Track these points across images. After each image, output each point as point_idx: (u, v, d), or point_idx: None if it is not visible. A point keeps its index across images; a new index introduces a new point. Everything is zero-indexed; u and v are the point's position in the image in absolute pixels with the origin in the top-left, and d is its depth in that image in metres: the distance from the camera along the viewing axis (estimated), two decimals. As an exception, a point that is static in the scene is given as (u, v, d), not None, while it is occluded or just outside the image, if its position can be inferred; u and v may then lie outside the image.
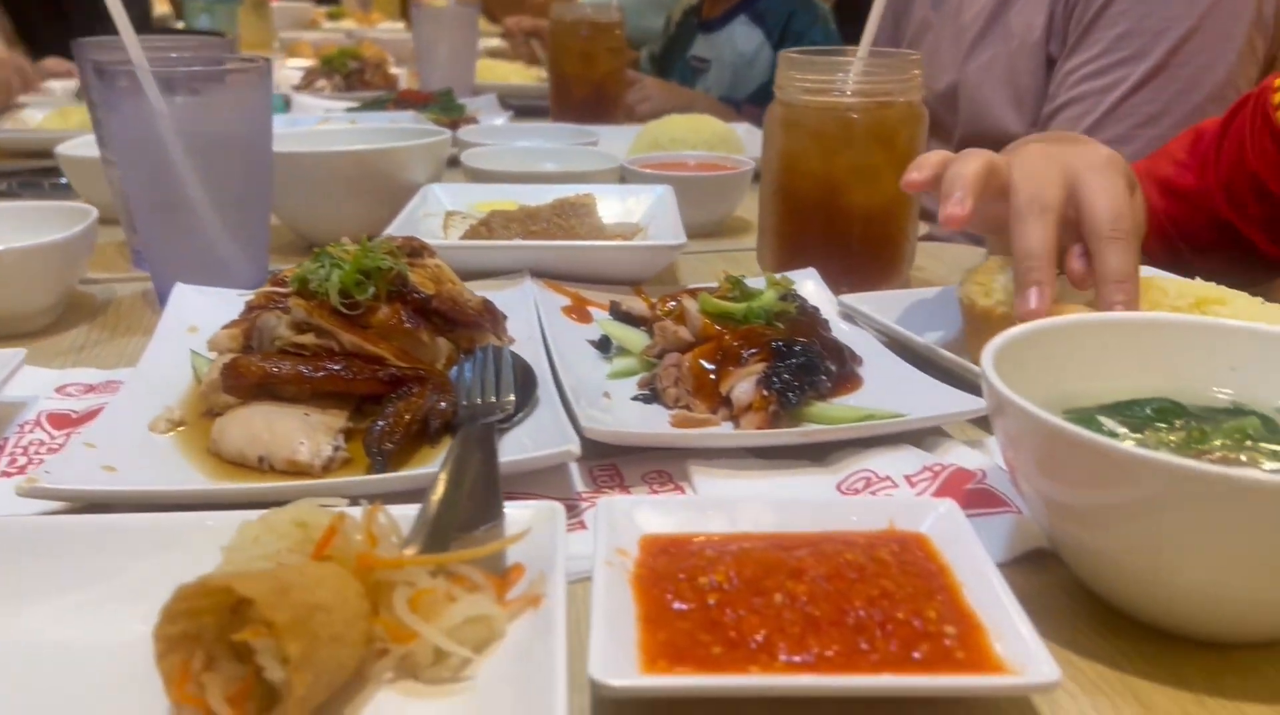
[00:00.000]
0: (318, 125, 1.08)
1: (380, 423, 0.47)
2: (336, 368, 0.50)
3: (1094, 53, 1.02)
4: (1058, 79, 1.06)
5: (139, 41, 0.64)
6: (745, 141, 1.20)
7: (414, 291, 0.54)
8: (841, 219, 0.72)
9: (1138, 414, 0.41)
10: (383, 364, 0.51)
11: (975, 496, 0.45)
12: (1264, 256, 0.81)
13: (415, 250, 0.58)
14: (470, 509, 0.38)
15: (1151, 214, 0.85)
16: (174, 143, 0.64)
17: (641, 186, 0.83)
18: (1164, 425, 0.41)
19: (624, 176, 0.91)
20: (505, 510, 0.39)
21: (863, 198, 0.71)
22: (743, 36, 1.69)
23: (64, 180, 0.96)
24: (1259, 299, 0.59)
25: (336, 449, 0.47)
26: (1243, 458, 0.38)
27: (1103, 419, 0.41)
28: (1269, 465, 0.38)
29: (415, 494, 0.39)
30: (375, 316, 0.52)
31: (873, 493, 0.47)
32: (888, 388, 0.56)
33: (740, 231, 0.93)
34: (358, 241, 0.55)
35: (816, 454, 0.50)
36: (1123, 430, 0.40)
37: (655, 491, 0.47)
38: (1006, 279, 0.57)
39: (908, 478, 0.47)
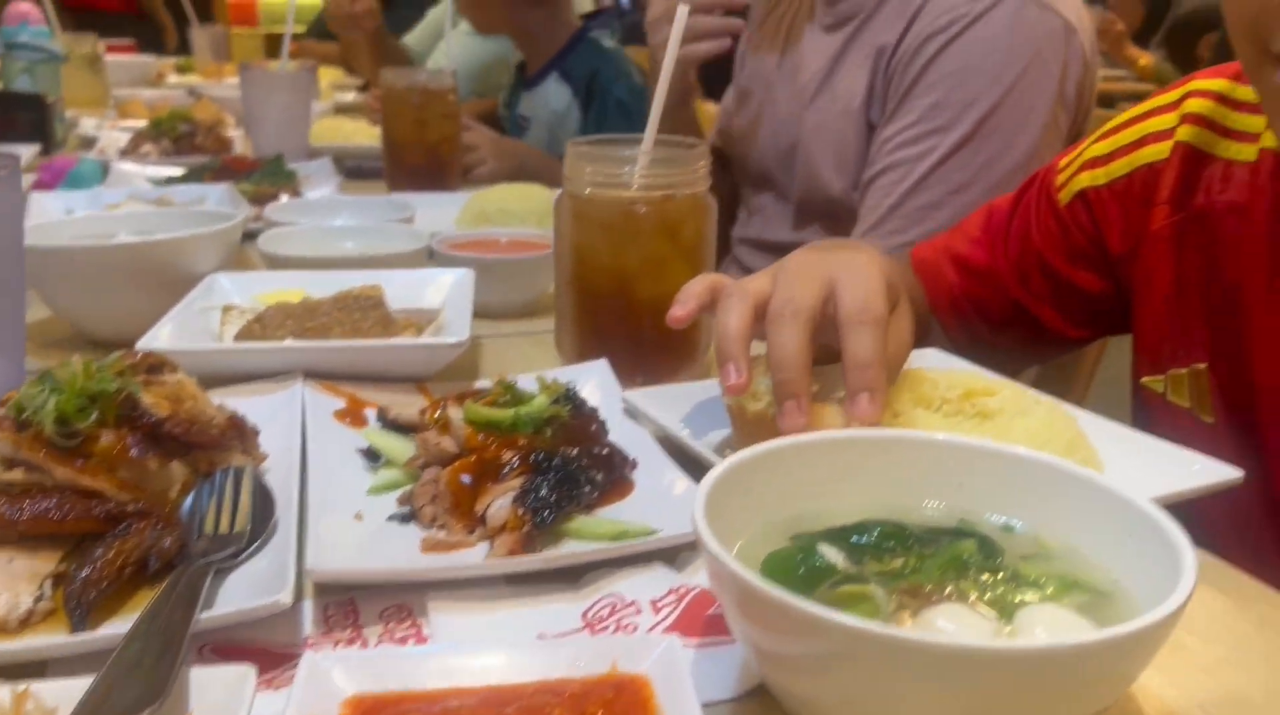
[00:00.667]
0: (119, 205, 1.03)
1: (84, 570, 0.44)
2: (45, 506, 0.46)
3: (908, 121, 1.05)
4: (876, 144, 1.09)
5: None
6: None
7: (145, 415, 0.50)
8: (633, 310, 0.71)
9: (860, 541, 0.41)
10: (101, 498, 0.47)
11: (713, 624, 0.44)
12: (1053, 333, 0.83)
13: (154, 366, 0.54)
14: (139, 685, 0.35)
15: (949, 292, 0.87)
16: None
17: (443, 269, 0.81)
18: (885, 553, 0.40)
19: (433, 255, 0.89)
20: (191, 676, 0.36)
21: (652, 289, 0.70)
22: (555, 94, 1.71)
23: None
24: (1029, 390, 0.60)
25: (39, 600, 0.44)
26: (954, 589, 0.38)
27: (823, 548, 0.40)
28: (976, 596, 0.38)
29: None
30: (97, 445, 0.48)
31: (618, 621, 0.45)
32: (658, 496, 0.54)
33: (548, 311, 0.92)
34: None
35: (570, 576, 0.48)
36: (841, 560, 0.40)
37: (391, 633, 0.45)
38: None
39: (653, 602, 0.46)
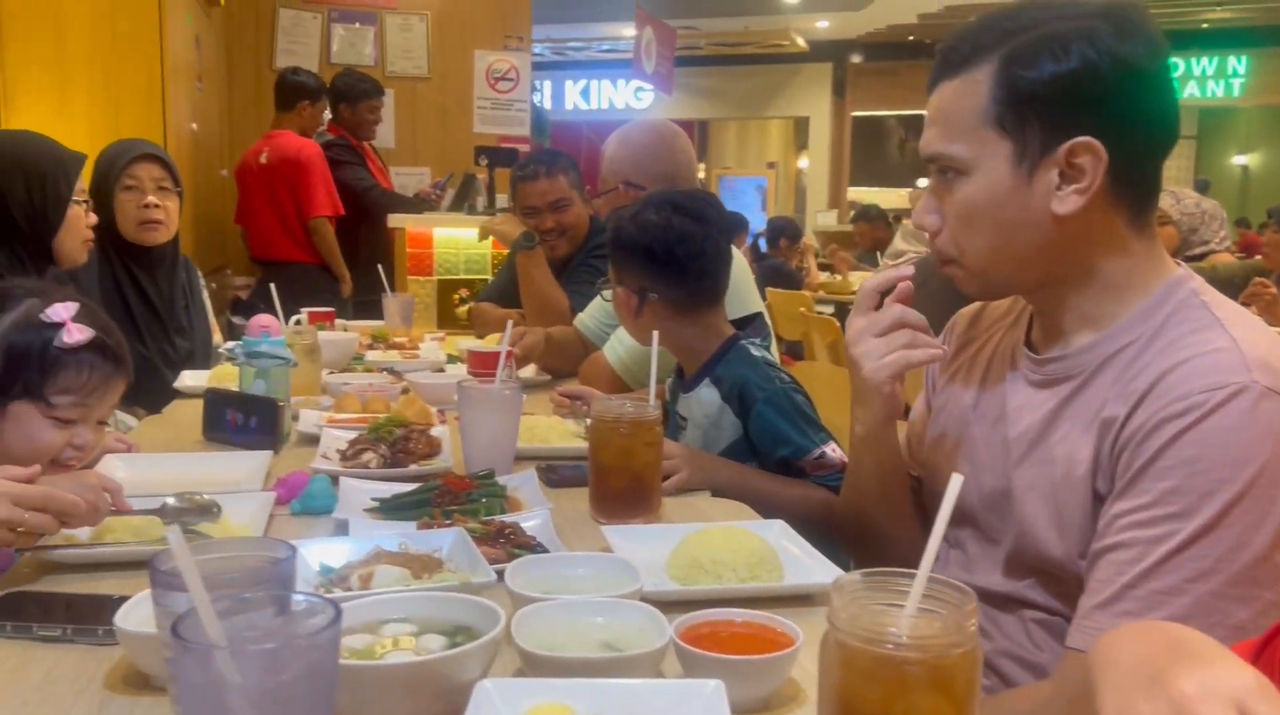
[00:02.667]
0: (368, 566, 1.10)
1: None
2: None
3: (1143, 501, 1.04)
4: (1106, 518, 1.08)
5: (210, 604, 0.67)
6: (780, 554, 1.22)
7: None
8: (900, 759, 0.71)
9: None
10: None
11: None
12: None
13: None
14: None
15: None
16: (240, 706, 0.65)
17: (695, 685, 0.83)
18: None
19: (678, 655, 0.91)
20: None
21: (921, 741, 0.70)
22: (707, 398, 1.77)
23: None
24: None
25: None
26: None
27: None
28: None
29: None
30: None
31: None
32: None
33: (791, 702, 0.93)
34: None
35: None
36: None
37: None
38: None
39: None
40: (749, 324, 1.90)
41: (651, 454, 1.45)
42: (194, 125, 4.44)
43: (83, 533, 1.25)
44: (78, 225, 2.19)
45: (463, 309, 4.62)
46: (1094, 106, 1.09)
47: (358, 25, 5.73)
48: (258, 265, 4.85)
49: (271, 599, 0.75)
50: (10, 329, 1.42)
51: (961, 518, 1.33)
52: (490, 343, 2.72)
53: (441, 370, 2.57)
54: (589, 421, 1.94)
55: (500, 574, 1.07)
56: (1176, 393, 1.04)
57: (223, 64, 5.39)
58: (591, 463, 1.47)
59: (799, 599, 1.15)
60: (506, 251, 4.42)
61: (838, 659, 0.73)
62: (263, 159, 4.57)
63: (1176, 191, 4.21)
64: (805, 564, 1.23)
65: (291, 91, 4.70)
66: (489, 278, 4.60)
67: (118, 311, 2.50)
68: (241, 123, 5.49)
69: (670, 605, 0.99)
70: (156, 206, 2.54)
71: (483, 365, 2.17)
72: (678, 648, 0.91)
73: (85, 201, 2.22)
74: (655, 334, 1.61)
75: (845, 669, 0.72)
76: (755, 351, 1.81)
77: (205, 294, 2.91)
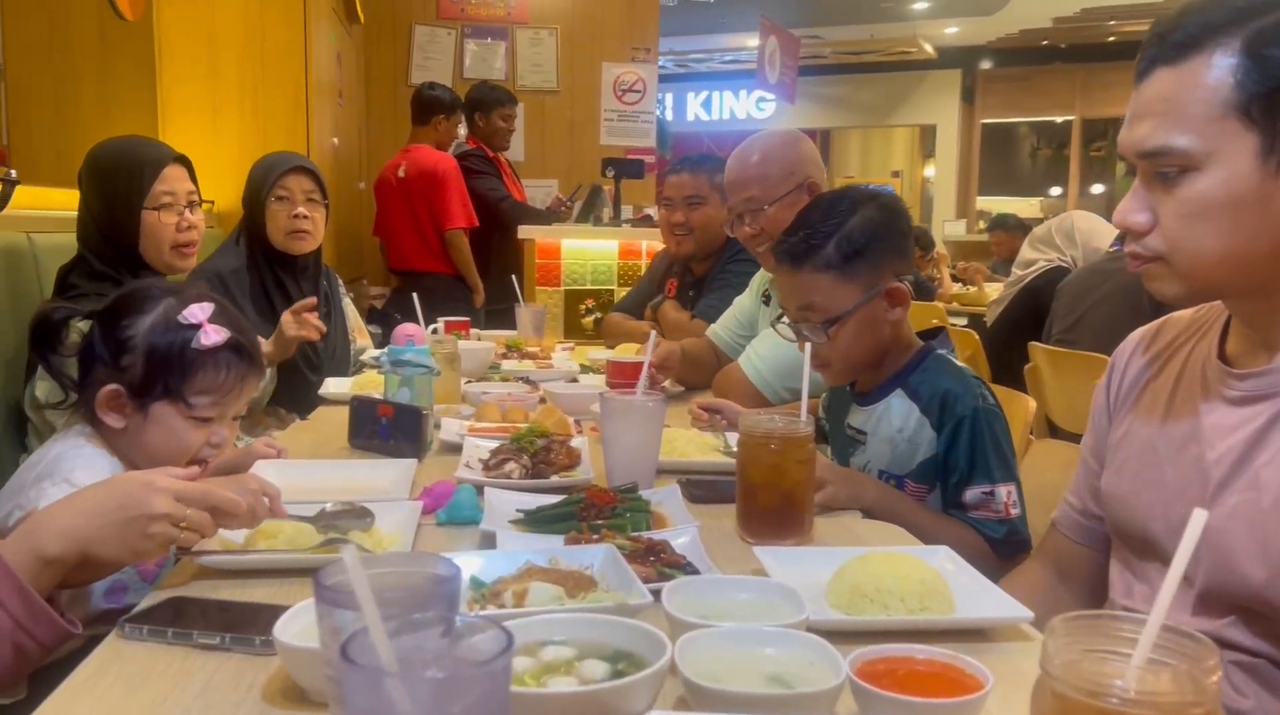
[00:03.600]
0: (520, 580, 1.07)
1: None
2: None
3: None
4: None
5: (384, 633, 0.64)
6: (951, 585, 1.14)
7: None
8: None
9: None
10: None
11: None
12: None
13: None
14: None
15: None
16: (412, 733, 0.62)
17: (876, 727, 0.77)
18: None
19: (854, 692, 0.85)
20: None
21: (1151, 808, 0.62)
22: (898, 411, 1.65)
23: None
24: None
25: None
26: None
27: None
28: None
29: None
30: None
31: None
32: None
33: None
34: None
35: None
36: None
37: None
38: None
39: None
40: (934, 339, 1.77)
41: (803, 472, 1.38)
42: (335, 140, 4.57)
43: (236, 536, 1.26)
44: (157, 232, 2.12)
45: (588, 319, 4.63)
46: None
47: (489, 40, 5.83)
48: (395, 276, 4.97)
49: (438, 620, 0.72)
50: (150, 332, 1.43)
51: (1146, 550, 1.22)
52: (624, 352, 2.69)
53: (575, 380, 2.55)
54: (728, 436, 1.89)
55: (655, 595, 1.03)
56: None
57: (361, 80, 5.56)
58: (740, 480, 1.41)
59: (973, 634, 1.07)
60: (637, 262, 4.43)
61: (1053, 711, 0.66)
62: (400, 173, 4.68)
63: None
64: (978, 595, 1.14)
65: (428, 106, 4.80)
66: (614, 288, 4.61)
67: (265, 315, 2.58)
68: (378, 137, 5.65)
69: (833, 636, 0.93)
70: (305, 217, 2.61)
71: (623, 376, 2.14)
72: (855, 686, 0.84)
73: (172, 206, 2.15)
74: (808, 345, 1.54)
75: (1062, 723, 0.65)
76: (958, 363, 1.71)
77: (346, 301, 2.97)
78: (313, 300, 2.28)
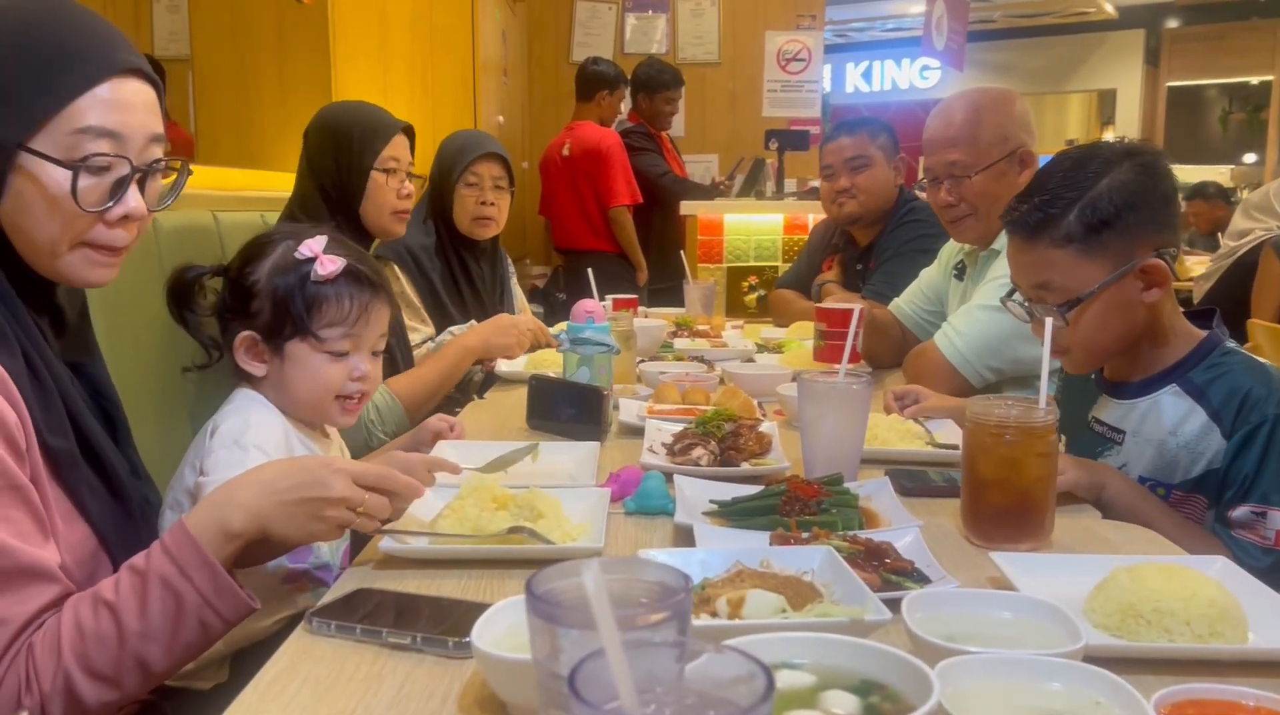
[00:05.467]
0: (732, 579, 0.95)
1: None
2: None
3: None
4: None
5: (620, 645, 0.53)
6: (1246, 605, 0.96)
7: None
8: None
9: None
10: None
11: None
12: None
13: None
14: None
15: None
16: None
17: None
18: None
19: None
20: None
21: None
22: (1171, 408, 1.41)
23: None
24: None
25: None
26: None
27: None
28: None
29: None
30: None
31: None
32: None
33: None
34: None
35: None
36: None
37: None
38: None
39: None
40: (1209, 316, 1.53)
41: (1043, 467, 1.21)
42: (500, 118, 4.57)
43: (427, 513, 1.20)
44: (381, 195, 2.08)
45: (751, 297, 4.47)
46: None
47: (650, 13, 5.73)
48: (560, 254, 4.95)
49: (670, 642, 0.60)
50: (271, 272, 1.42)
51: None
52: (799, 330, 2.54)
53: (752, 360, 2.42)
54: (928, 424, 1.72)
55: (886, 604, 0.89)
56: None
57: (524, 58, 5.56)
58: (968, 475, 1.25)
59: (1270, 666, 0.89)
60: (802, 237, 4.24)
61: None
62: (565, 152, 4.65)
63: None
64: (1271, 618, 0.96)
65: (591, 81, 4.74)
66: (778, 264, 4.44)
67: (453, 295, 2.56)
68: (541, 115, 5.64)
69: (1110, 665, 0.77)
70: (492, 204, 2.58)
71: (835, 322, 1.99)
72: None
73: (396, 172, 2.11)
74: (1049, 321, 1.36)
75: None
76: (1260, 359, 1.47)
77: (514, 281, 2.93)
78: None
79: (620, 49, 5.69)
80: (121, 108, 1.05)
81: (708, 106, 5.81)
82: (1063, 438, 1.64)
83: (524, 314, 2.87)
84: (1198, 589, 0.94)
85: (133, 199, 1.07)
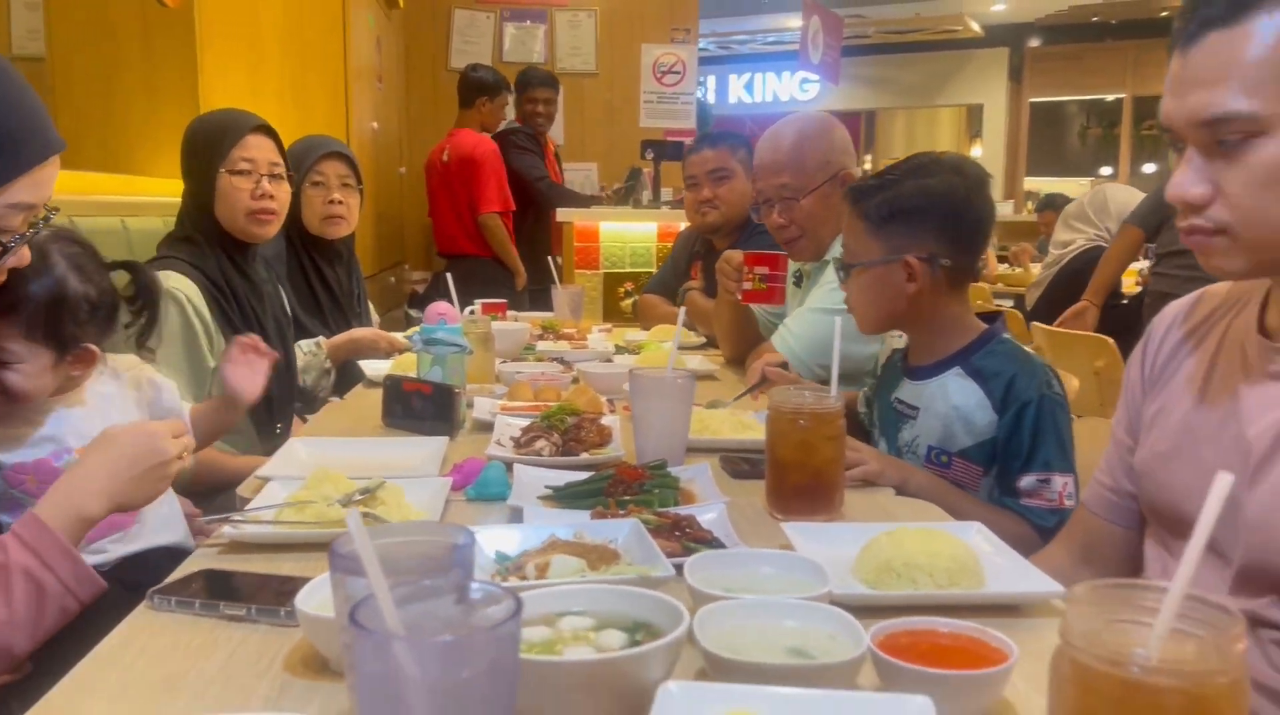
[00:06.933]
0: (543, 553, 1.07)
1: None
2: None
3: None
4: None
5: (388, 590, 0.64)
6: (982, 561, 1.12)
7: None
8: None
9: None
10: None
11: None
12: None
13: None
14: None
15: None
16: (418, 700, 0.61)
17: (894, 701, 0.75)
18: None
19: (876, 664, 0.83)
20: None
21: (1175, 783, 0.60)
22: (957, 389, 1.62)
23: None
24: None
25: None
26: None
27: None
28: None
29: None
30: None
31: None
32: None
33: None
34: None
35: None
36: None
37: None
38: None
39: None
40: (996, 318, 1.74)
41: (833, 449, 1.36)
42: (375, 124, 4.60)
43: (267, 513, 1.28)
44: (233, 197, 2.08)
45: (628, 303, 4.62)
46: None
47: (529, 23, 5.83)
48: (443, 259, 5.01)
49: (451, 587, 0.71)
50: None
51: (1182, 529, 1.18)
52: (660, 334, 2.68)
53: (610, 360, 2.55)
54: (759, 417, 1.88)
55: (678, 568, 1.02)
56: None
57: (401, 64, 5.59)
58: (769, 456, 1.40)
59: (1005, 610, 1.05)
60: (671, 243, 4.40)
61: (1072, 680, 0.64)
62: (445, 157, 4.72)
63: None
64: (1010, 572, 1.12)
65: (471, 88, 4.83)
66: (653, 271, 4.59)
67: (306, 300, 2.61)
68: (419, 122, 5.68)
69: (859, 611, 0.91)
70: (340, 202, 2.63)
71: (764, 263, 2.18)
72: (876, 658, 0.83)
73: (250, 173, 2.11)
74: (838, 320, 1.52)
75: (1082, 692, 0.63)
76: (1027, 348, 1.68)
77: (363, 283, 2.99)
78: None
79: (499, 58, 5.77)
80: (45, 184, 1.17)
81: (586, 117, 5.94)
82: (877, 426, 1.82)
83: (375, 322, 2.93)
84: (943, 547, 1.10)
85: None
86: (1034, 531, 1.52)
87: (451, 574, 0.75)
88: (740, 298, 2.26)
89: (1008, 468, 1.58)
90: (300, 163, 2.62)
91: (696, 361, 2.55)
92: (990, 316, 1.72)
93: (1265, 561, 1.06)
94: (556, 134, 5.75)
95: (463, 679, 0.62)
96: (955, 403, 1.62)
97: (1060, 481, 1.54)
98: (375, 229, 4.65)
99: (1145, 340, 1.32)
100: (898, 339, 1.84)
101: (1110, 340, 3.07)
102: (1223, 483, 0.63)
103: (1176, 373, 1.24)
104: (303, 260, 2.66)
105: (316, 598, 0.93)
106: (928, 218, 1.62)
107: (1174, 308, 1.31)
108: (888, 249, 1.63)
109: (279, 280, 2.52)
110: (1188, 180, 1.04)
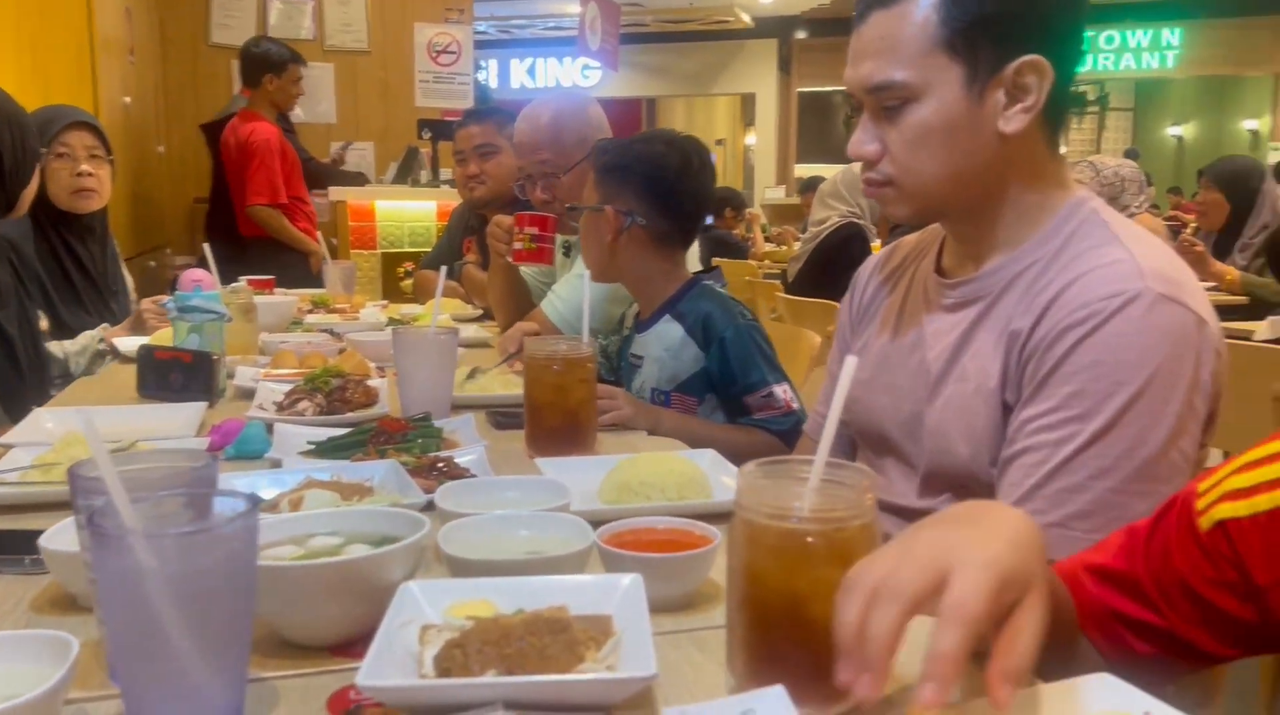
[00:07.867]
0: (299, 491, 1.11)
1: None
2: None
3: (1048, 406, 1.09)
4: (1015, 425, 1.12)
5: (122, 483, 0.68)
6: (710, 478, 1.25)
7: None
8: (805, 631, 0.74)
9: None
10: None
11: None
12: (1205, 652, 0.84)
13: None
14: None
15: (1090, 605, 0.88)
16: (159, 595, 0.66)
17: (614, 578, 0.86)
18: None
19: (601, 556, 0.94)
20: None
21: (823, 611, 0.73)
22: (666, 333, 1.83)
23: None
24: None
25: None
26: None
27: None
28: None
29: None
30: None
31: None
32: None
33: (709, 601, 0.96)
34: None
35: None
36: None
37: None
38: None
39: None
40: (708, 275, 1.97)
41: (585, 391, 1.47)
42: (127, 99, 4.36)
43: (12, 475, 1.25)
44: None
45: (407, 283, 4.59)
46: (1038, 24, 1.12)
47: (295, -2, 5.65)
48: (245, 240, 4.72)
49: (192, 498, 0.76)
50: None
51: (883, 446, 1.36)
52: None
53: (381, 330, 2.56)
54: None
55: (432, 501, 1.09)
56: (1077, 302, 1.08)
57: (156, 38, 5.29)
58: (527, 401, 1.49)
59: (723, 516, 1.18)
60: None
61: (744, 537, 0.76)
62: (232, 140, 4.46)
63: (1095, 161, 4.34)
64: (734, 487, 1.26)
65: (254, 64, 4.50)
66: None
67: (58, 280, 2.47)
68: (178, 98, 5.39)
69: (599, 526, 1.02)
70: (90, 174, 2.51)
71: (535, 223, 2.24)
72: (600, 550, 0.94)
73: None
74: (586, 275, 1.63)
75: (751, 546, 0.76)
76: (720, 289, 1.89)
77: (123, 266, 2.86)
78: None
79: (264, 33, 5.56)
80: None
81: (360, 95, 5.83)
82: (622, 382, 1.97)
83: (132, 298, 2.82)
84: (674, 466, 1.22)
85: None
86: (776, 439, 1.74)
87: (191, 486, 0.79)
88: (512, 258, 2.33)
89: (733, 393, 1.78)
90: (42, 134, 2.48)
91: (472, 331, 2.61)
92: (707, 273, 1.93)
93: (942, 465, 1.24)
94: (328, 112, 5.62)
95: (199, 569, 0.67)
96: (666, 345, 1.84)
97: (780, 390, 1.78)
98: (131, 210, 4.41)
99: (851, 287, 1.50)
100: None
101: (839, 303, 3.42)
102: (849, 364, 0.76)
103: (876, 313, 1.42)
104: (52, 239, 2.52)
105: (62, 539, 0.94)
106: (630, 176, 1.85)
107: (874, 258, 1.49)
108: (600, 198, 1.86)
109: (30, 262, 2.39)
110: (862, 140, 1.21)
